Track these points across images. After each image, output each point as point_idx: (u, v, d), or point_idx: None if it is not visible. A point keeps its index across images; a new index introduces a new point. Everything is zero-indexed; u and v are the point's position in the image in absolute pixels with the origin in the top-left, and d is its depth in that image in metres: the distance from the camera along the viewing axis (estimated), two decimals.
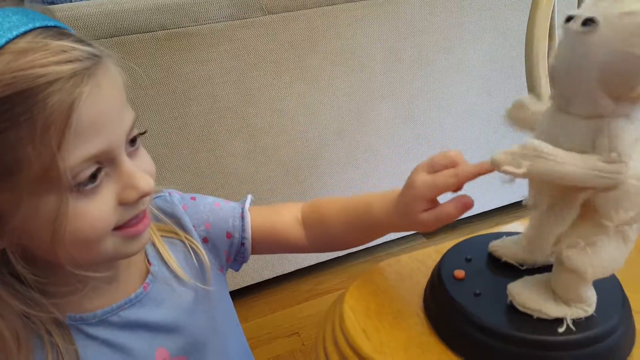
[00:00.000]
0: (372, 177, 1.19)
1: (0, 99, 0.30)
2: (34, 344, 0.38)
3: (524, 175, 0.29)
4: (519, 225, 0.50)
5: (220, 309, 0.51)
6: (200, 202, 0.51)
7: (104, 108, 0.34)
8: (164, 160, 0.97)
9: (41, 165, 0.31)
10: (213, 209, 0.51)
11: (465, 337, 0.36)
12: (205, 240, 0.51)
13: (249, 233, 0.51)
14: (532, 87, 0.74)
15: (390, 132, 1.16)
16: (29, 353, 0.37)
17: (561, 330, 0.34)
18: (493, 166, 0.30)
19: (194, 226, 0.50)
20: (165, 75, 0.91)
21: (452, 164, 0.39)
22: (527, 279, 0.37)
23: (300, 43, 0.99)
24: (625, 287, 0.38)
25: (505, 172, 0.29)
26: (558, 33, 0.75)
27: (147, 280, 0.44)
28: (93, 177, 0.34)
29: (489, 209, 1.34)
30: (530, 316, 0.35)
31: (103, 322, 0.41)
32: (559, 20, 0.75)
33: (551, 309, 0.34)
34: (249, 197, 0.54)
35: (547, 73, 0.34)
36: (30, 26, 0.32)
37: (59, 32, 0.34)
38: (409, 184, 0.41)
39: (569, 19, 0.29)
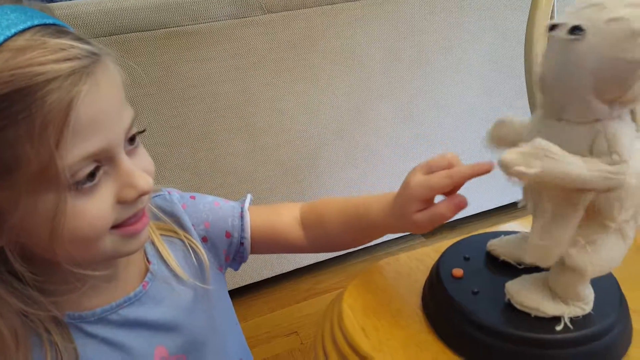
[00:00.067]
0: (371, 177, 1.19)
1: None
2: (33, 342, 0.38)
3: (534, 177, 0.28)
4: (516, 225, 0.51)
5: (219, 308, 0.51)
6: (199, 201, 0.51)
7: (102, 106, 0.34)
8: (163, 159, 0.97)
9: (39, 163, 0.31)
10: (212, 208, 0.51)
11: (464, 336, 0.36)
12: (204, 240, 0.51)
13: (248, 233, 0.51)
14: (531, 87, 0.74)
15: (390, 131, 1.16)
16: (27, 351, 0.37)
17: (559, 328, 0.34)
18: (503, 168, 0.29)
19: (193, 225, 0.50)
20: (164, 74, 0.91)
21: (449, 166, 0.39)
22: (524, 277, 0.37)
23: (300, 42, 0.99)
24: (623, 285, 0.38)
25: (516, 174, 0.29)
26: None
27: (146, 279, 0.44)
28: (91, 175, 0.34)
29: (487, 209, 1.35)
30: (528, 314, 0.35)
31: (102, 320, 0.41)
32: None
33: (549, 307, 0.34)
34: (249, 196, 0.54)
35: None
36: (29, 24, 0.32)
37: (57, 30, 0.33)
38: (405, 185, 0.41)
39: (552, 27, 0.29)
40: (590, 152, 0.30)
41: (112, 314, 0.41)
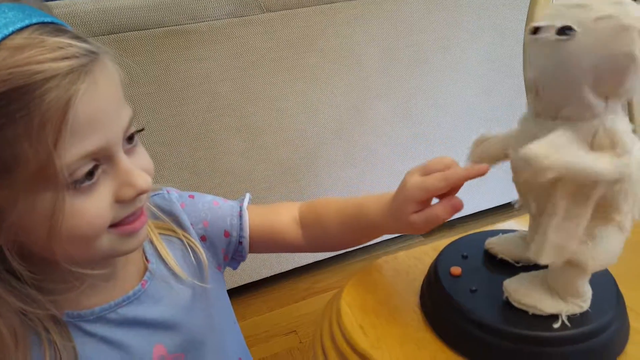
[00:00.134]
0: (370, 176, 1.19)
1: None
2: (32, 341, 0.38)
3: (559, 172, 0.28)
4: (514, 223, 0.51)
5: (218, 306, 0.52)
6: (198, 201, 0.51)
7: (100, 105, 0.34)
8: (161, 159, 0.97)
9: (38, 162, 0.31)
10: (211, 207, 0.51)
11: (461, 333, 0.36)
12: (203, 239, 0.51)
13: (246, 232, 0.51)
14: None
15: (388, 131, 1.16)
16: (26, 350, 0.37)
17: (556, 326, 0.34)
18: (526, 162, 0.28)
19: (191, 224, 0.50)
20: (163, 73, 0.91)
21: (446, 169, 0.39)
22: (522, 275, 0.37)
23: (299, 41, 0.99)
24: (620, 283, 0.38)
25: (542, 168, 0.28)
26: None
27: (145, 278, 0.44)
28: (90, 174, 0.34)
29: (486, 208, 1.35)
30: (526, 312, 0.35)
31: (101, 319, 0.41)
32: None
33: (546, 305, 0.35)
34: (247, 195, 0.54)
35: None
36: (27, 22, 0.32)
37: (55, 28, 0.33)
38: (402, 186, 0.41)
39: (535, 30, 0.29)
40: (591, 147, 0.30)
41: (110, 313, 0.41)
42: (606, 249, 0.33)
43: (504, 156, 0.37)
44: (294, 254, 1.18)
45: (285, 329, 1.11)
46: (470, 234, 0.46)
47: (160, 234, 0.48)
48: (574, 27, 0.27)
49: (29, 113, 0.30)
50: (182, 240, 0.48)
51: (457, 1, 1.09)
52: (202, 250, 0.49)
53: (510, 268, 0.40)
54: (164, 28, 0.88)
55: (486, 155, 0.38)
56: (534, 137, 0.32)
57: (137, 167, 0.37)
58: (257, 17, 0.94)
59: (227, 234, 0.51)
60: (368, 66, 1.07)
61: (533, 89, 0.32)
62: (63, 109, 0.31)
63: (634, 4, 0.27)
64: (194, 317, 0.47)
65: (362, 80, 1.08)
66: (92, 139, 0.33)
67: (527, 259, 0.41)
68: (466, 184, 0.39)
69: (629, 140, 0.29)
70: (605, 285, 0.37)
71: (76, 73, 0.32)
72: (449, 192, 0.40)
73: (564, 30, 0.28)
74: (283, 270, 1.20)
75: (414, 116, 1.18)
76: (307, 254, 1.20)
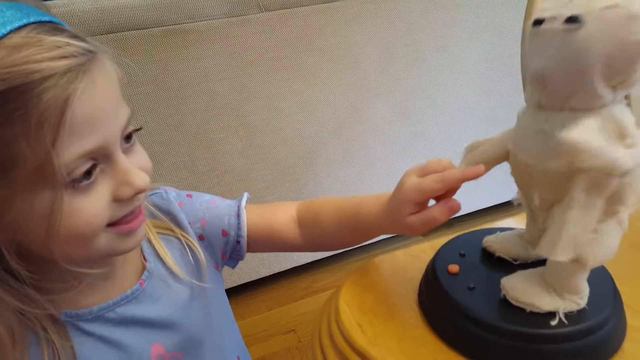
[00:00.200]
0: (368, 175, 1.19)
1: None
2: (30, 340, 0.38)
3: (595, 158, 0.28)
4: (512, 222, 0.51)
5: (216, 306, 0.52)
6: (196, 200, 0.51)
7: (98, 104, 0.34)
8: (159, 158, 0.97)
9: (36, 161, 0.31)
10: (209, 206, 0.51)
11: (459, 331, 0.36)
12: (201, 238, 0.51)
13: (244, 231, 0.51)
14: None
15: (387, 130, 1.16)
16: (24, 349, 0.37)
17: (553, 323, 0.34)
18: (569, 148, 0.28)
19: (189, 223, 0.50)
20: (161, 72, 0.91)
21: (443, 171, 0.39)
22: (520, 273, 0.38)
23: (297, 40, 0.99)
24: (617, 281, 0.38)
25: (582, 154, 0.28)
26: None
27: (143, 277, 0.44)
28: (88, 173, 0.34)
29: (484, 207, 1.35)
30: (523, 310, 0.35)
31: (99, 318, 0.41)
32: None
33: (544, 303, 0.35)
34: (245, 195, 0.54)
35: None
36: (25, 21, 0.32)
37: (53, 27, 0.33)
38: (399, 187, 0.42)
39: (539, 22, 0.29)
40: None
41: (108, 312, 0.41)
42: (607, 245, 0.33)
43: (503, 157, 0.37)
44: (292, 253, 1.18)
45: (284, 328, 1.11)
46: (467, 232, 0.46)
47: (158, 233, 0.48)
48: (583, 17, 0.27)
49: (26, 112, 0.30)
50: (180, 240, 0.48)
51: (455, 0, 1.09)
52: (200, 249, 0.49)
53: (507, 266, 0.40)
54: (162, 27, 0.88)
55: (485, 158, 0.38)
56: (537, 130, 0.32)
57: (135, 166, 0.37)
58: (255, 16, 0.94)
59: (225, 233, 0.51)
60: (366, 65, 1.07)
61: (538, 81, 0.31)
62: (61, 108, 0.31)
63: None
64: (192, 316, 0.47)
65: (360, 79, 1.08)
66: (90, 138, 0.33)
67: (525, 257, 0.41)
68: (464, 184, 0.39)
69: (634, 130, 0.29)
70: (602, 282, 0.38)
71: (74, 72, 0.32)
72: (446, 193, 0.40)
73: (573, 20, 0.28)
74: (282, 270, 1.20)
75: (413, 115, 1.18)
76: (306, 253, 1.21)
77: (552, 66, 0.30)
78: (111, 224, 0.37)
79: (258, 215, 0.52)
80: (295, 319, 1.13)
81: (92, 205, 0.35)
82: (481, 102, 1.23)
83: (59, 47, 0.32)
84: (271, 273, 1.19)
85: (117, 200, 0.36)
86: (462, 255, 0.42)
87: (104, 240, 0.37)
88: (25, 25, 0.32)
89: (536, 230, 0.40)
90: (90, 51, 0.34)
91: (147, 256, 0.46)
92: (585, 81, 0.29)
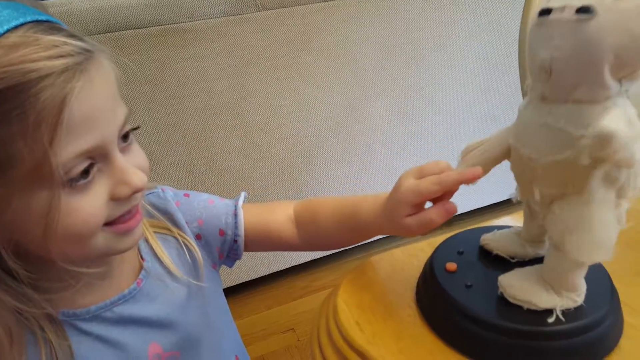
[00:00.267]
0: (367, 174, 1.20)
1: None
2: (27, 340, 0.38)
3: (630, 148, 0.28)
4: (510, 220, 0.51)
5: (214, 305, 0.52)
6: (193, 199, 0.51)
7: (96, 103, 0.34)
8: (158, 157, 0.97)
9: (33, 161, 0.31)
10: (206, 206, 0.51)
11: (457, 328, 0.36)
12: (198, 237, 0.51)
13: (241, 230, 0.51)
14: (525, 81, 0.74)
15: (385, 129, 1.16)
16: (22, 349, 0.37)
17: (551, 320, 0.34)
18: (609, 138, 0.28)
19: (187, 223, 0.50)
20: (159, 71, 0.91)
21: (440, 173, 0.39)
22: (517, 271, 0.38)
23: (295, 39, 0.99)
24: (614, 279, 0.38)
25: (621, 143, 0.27)
26: None
27: (140, 276, 0.44)
28: (85, 172, 0.34)
29: (483, 205, 1.35)
30: (521, 307, 0.35)
31: (96, 317, 0.41)
32: None
33: (541, 300, 0.35)
34: (242, 194, 0.54)
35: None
36: (22, 20, 0.32)
37: (50, 26, 0.33)
38: (396, 188, 0.41)
39: (547, 11, 0.29)
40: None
41: (106, 312, 0.41)
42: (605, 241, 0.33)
43: (504, 156, 0.37)
44: (291, 252, 1.18)
45: (283, 326, 1.11)
46: (465, 230, 0.46)
47: (155, 232, 0.48)
48: (595, 7, 0.27)
49: (24, 112, 0.30)
50: (177, 239, 0.48)
51: None
52: (197, 248, 0.49)
53: (505, 264, 0.40)
54: (160, 26, 0.87)
55: (486, 158, 0.38)
56: (541, 123, 0.32)
57: (133, 165, 0.37)
58: (254, 15, 0.93)
59: (222, 233, 0.51)
60: (365, 64, 1.07)
61: (544, 71, 0.31)
62: (58, 107, 0.31)
63: None
64: (190, 315, 0.47)
65: (358, 78, 1.08)
66: (88, 137, 0.33)
67: (522, 255, 0.41)
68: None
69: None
70: (599, 280, 0.38)
71: (71, 71, 0.32)
72: (443, 195, 0.39)
73: (584, 10, 0.27)
74: (281, 269, 1.21)
75: (411, 114, 1.18)
76: (305, 252, 1.21)
77: (559, 56, 0.30)
78: (108, 223, 0.37)
79: (255, 215, 0.52)
80: (294, 318, 1.13)
81: (89, 205, 0.35)
82: (480, 101, 1.23)
83: (56, 46, 0.32)
84: (270, 272, 1.19)
85: (114, 199, 0.36)
86: (460, 253, 0.42)
87: (101, 240, 0.37)
88: (22, 25, 0.32)
89: (534, 228, 0.40)
90: (88, 50, 0.34)
91: (144, 255, 0.46)
92: (594, 72, 0.29)
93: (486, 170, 0.38)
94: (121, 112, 0.37)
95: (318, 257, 1.25)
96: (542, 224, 0.36)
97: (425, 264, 0.42)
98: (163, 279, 0.46)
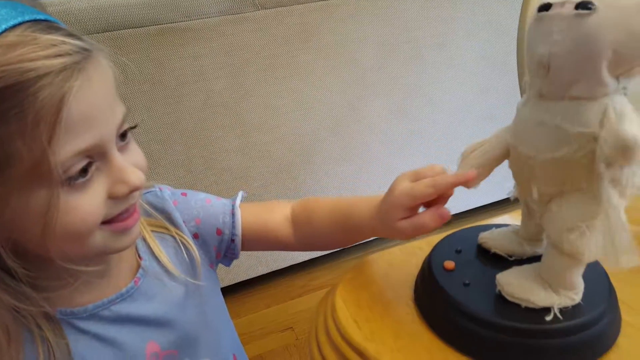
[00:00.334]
0: (366, 173, 1.20)
1: None
2: (24, 338, 0.38)
3: None
4: (507, 218, 0.51)
5: (211, 304, 0.52)
6: (191, 198, 0.51)
7: (94, 102, 0.34)
8: (156, 156, 0.97)
9: (32, 159, 0.31)
10: (204, 205, 0.51)
11: (455, 326, 0.36)
12: (195, 236, 0.51)
13: (239, 230, 0.51)
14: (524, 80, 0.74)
15: (384, 128, 1.16)
16: (19, 347, 0.37)
17: (548, 318, 0.34)
18: (631, 144, 0.27)
19: (184, 222, 0.50)
20: (157, 70, 0.91)
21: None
22: (515, 269, 0.38)
23: (293, 38, 0.99)
24: (612, 276, 0.38)
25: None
26: None
27: (138, 275, 0.44)
28: (84, 171, 0.34)
29: (482, 204, 1.35)
30: (519, 305, 0.35)
31: (94, 316, 0.41)
32: None
33: (539, 298, 0.35)
34: (240, 193, 0.54)
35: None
36: (20, 19, 0.32)
37: (48, 25, 0.33)
38: (390, 191, 0.41)
39: (546, 7, 0.29)
40: (602, 126, 0.29)
41: (103, 310, 0.41)
42: (603, 240, 0.33)
43: (504, 155, 0.37)
44: (290, 251, 1.18)
45: (281, 325, 1.11)
46: (463, 229, 0.46)
47: (152, 231, 0.48)
48: (594, 2, 0.27)
49: (22, 111, 0.30)
50: (174, 238, 0.48)
51: None
52: (194, 247, 0.49)
53: (503, 262, 0.41)
54: (158, 26, 0.87)
55: (486, 158, 0.38)
56: (539, 121, 0.32)
57: (131, 164, 0.37)
58: (252, 14, 0.93)
59: (219, 232, 0.51)
60: (363, 63, 1.07)
61: (542, 67, 0.31)
62: (57, 106, 0.31)
63: None
64: (187, 314, 0.47)
65: (357, 77, 1.08)
66: (86, 136, 0.33)
67: (520, 253, 0.41)
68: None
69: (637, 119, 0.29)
70: (597, 278, 0.38)
71: (69, 70, 0.32)
72: (438, 199, 0.40)
73: (584, 6, 0.27)
74: (279, 268, 1.21)
75: (410, 113, 1.18)
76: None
77: (557, 52, 0.30)
78: (106, 222, 0.37)
79: (253, 214, 0.52)
80: (292, 317, 1.13)
81: (87, 203, 0.35)
82: (478, 100, 1.24)
83: (54, 45, 0.32)
84: (268, 271, 1.19)
85: (112, 197, 0.36)
86: (458, 252, 0.42)
87: (99, 238, 0.37)
88: (20, 24, 0.32)
89: (532, 226, 0.40)
90: (86, 49, 0.34)
91: (142, 254, 0.46)
92: (591, 68, 0.29)
93: (488, 171, 0.38)
94: (119, 111, 0.37)
95: (316, 256, 1.25)
96: (540, 222, 0.36)
97: (424, 262, 0.42)
98: (161, 278, 0.46)
